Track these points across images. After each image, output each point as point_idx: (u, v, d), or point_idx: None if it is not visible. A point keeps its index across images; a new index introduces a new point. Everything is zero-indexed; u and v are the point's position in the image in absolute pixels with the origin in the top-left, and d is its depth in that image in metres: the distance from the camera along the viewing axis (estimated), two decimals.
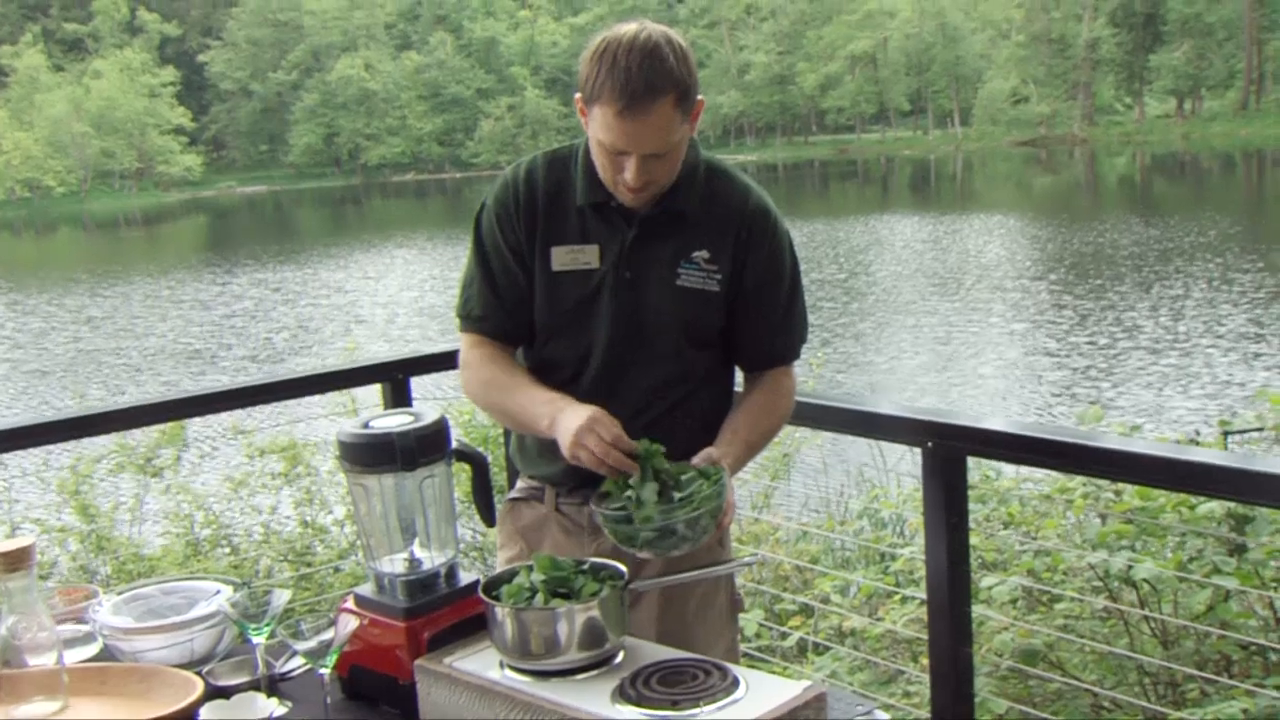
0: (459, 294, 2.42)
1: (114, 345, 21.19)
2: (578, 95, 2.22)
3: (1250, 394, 12.46)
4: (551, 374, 2.37)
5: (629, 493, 2.06)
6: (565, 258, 2.31)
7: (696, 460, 2.14)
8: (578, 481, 2.38)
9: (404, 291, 26.03)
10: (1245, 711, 3.12)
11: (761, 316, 2.38)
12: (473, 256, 2.40)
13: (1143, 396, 13.07)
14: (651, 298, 2.31)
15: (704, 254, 2.31)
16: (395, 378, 3.63)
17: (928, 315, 18.95)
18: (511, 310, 2.36)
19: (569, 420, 2.13)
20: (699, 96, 2.21)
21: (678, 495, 2.03)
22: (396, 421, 2.03)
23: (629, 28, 2.16)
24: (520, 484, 2.54)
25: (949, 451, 2.58)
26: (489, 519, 2.24)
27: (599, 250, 2.31)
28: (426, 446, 2.01)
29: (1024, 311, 18.87)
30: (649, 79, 2.09)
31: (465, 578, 2.08)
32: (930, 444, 2.58)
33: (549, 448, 2.36)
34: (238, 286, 28.28)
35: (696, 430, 2.30)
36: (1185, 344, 15.48)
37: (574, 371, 2.35)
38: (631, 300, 2.30)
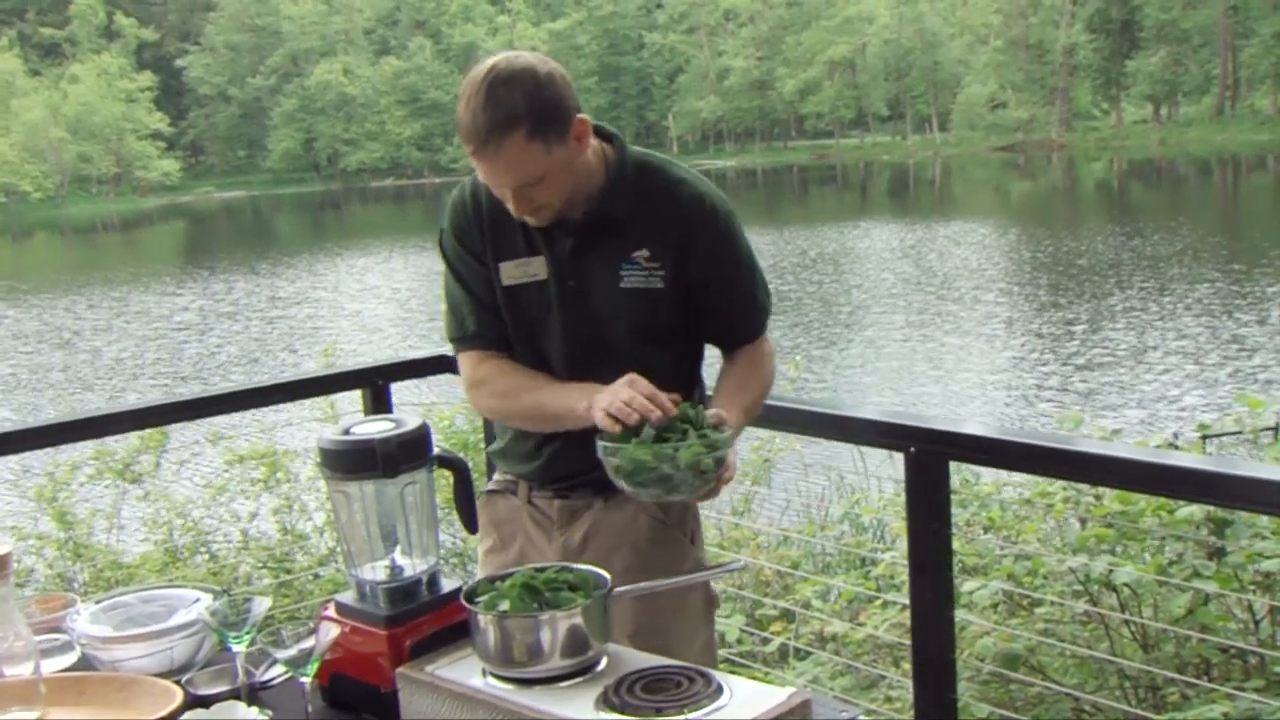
0: (447, 319, 2.46)
1: (42, 362, 20.73)
2: None
3: (1187, 409, 12.60)
4: None
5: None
6: (515, 271, 2.35)
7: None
8: (550, 478, 2.45)
9: (354, 302, 25.75)
10: (1226, 715, 3.13)
11: (725, 302, 2.40)
12: (450, 280, 2.43)
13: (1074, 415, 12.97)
14: (598, 303, 2.33)
15: (644, 253, 2.32)
16: (375, 384, 3.61)
17: (883, 330, 18.90)
18: (501, 319, 2.39)
19: (606, 391, 2.16)
20: (579, 115, 2.21)
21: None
22: (377, 428, 2.02)
23: (485, 64, 2.18)
24: (496, 477, 2.59)
25: (931, 456, 2.58)
26: (471, 525, 2.24)
27: (545, 261, 2.34)
28: (408, 453, 2.00)
29: (965, 323, 18.84)
30: (492, 118, 2.12)
31: (447, 585, 2.07)
32: (913, 449, 2.58)
33: (528, 449, 2.44)
34: (187, 297, 27.88)
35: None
36: (1130, 360, 15.48)
37: None
38: (580, 308, 2.34)
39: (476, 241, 2.38)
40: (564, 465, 2.42)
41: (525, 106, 2.12)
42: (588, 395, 2.19)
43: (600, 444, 2.08)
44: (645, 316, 2.34)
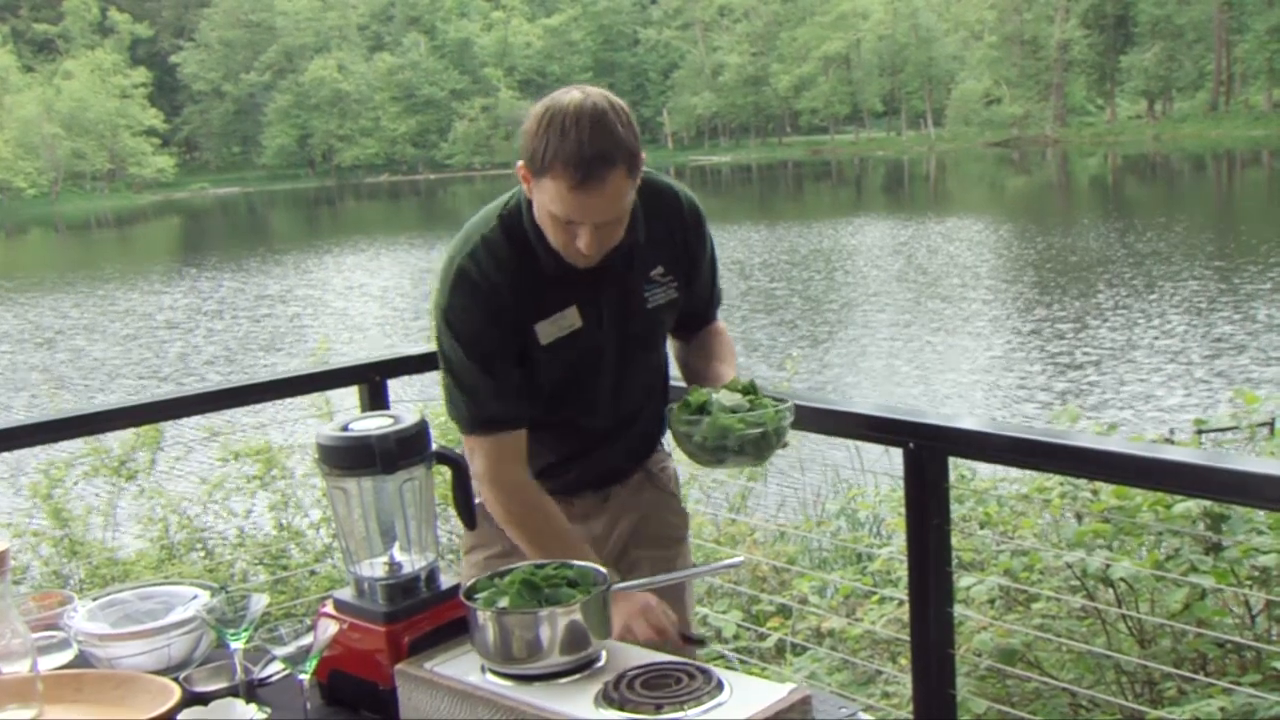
0: (459, 407, 2.35)
1: (22, 361, 20.51)
2: (520, 164, 2.21)
3: (1172, 408, 12.59)
4: (565, 430, 2.46)
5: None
6: (550, 329, 2.33)
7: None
8: (560, 489, 2.47)
9: (340, 300, 25.58)
10: (1223, 709, 3.13)
11: (708, 292, 2.57)
12: (466, 365, 2.30)
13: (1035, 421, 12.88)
14: (634, 328, 2.41)
15: (659, 269, 2.41)
16: (372, 380, 3.59)
17: (870, 328, 18.82)
18: (523, 397, 2.35)
19: (619, 604, 2.19)
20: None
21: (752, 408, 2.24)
22: (376, 424, 2.01)
23: (573, 95, 2.15)
24: None
25: (931, 452, 2.57)
26: (469, 522, 2.23)
27: (577, 310, 2.34)
28: (406, 449, 1.99)
29: (950, 321, 18.76)
30: (600, 150, 2.09)
31: (446, 581, 2.07)
32: (912, 445, 2.57)
33: (537, 471, 2.44)
34: (174, 295, 27.67)
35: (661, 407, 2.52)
36: (1114, 359, 15.41)
37: (588, 419, 2.47)
38: (618, 339, 2.39)
39: (513, 312, 2.29)
40: (588, 481, 2.55)
41: (626, 141, 2.13)
42: (618, 612, 2.18)
43: (678, 419, 2.23)
44: (667, 325, 2.50)
